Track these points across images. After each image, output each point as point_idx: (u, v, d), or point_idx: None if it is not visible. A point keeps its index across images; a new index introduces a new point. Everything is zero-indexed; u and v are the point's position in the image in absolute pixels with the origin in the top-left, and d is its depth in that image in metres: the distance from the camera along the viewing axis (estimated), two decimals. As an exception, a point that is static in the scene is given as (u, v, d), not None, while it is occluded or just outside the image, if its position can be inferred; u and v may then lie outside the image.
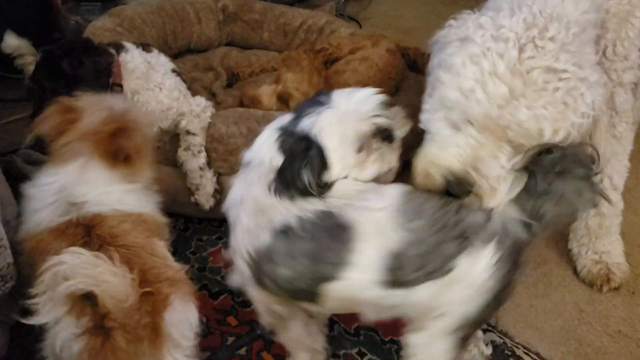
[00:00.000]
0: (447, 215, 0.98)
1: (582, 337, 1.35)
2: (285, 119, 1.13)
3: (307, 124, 1.06)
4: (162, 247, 1.06)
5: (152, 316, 0.91)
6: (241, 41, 2.22)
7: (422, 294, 0.98)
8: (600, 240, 1.47)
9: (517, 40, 0.99)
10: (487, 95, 0.99)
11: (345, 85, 1.67)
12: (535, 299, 1.44)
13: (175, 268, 1.03)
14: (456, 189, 1.05)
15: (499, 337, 1.33)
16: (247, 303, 1.38)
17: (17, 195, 1.26)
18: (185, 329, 0.98)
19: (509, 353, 1.30)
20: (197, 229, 1.60)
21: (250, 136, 1.32)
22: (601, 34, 1.16)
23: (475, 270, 0.96)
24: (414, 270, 0.96)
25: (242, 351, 1.28)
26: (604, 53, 1.20)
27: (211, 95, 1.85)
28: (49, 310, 0.88)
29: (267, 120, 1.25)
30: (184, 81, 1.58)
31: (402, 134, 1.14)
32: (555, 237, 1.59)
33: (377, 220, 0.98)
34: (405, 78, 1.89)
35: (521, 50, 0.99)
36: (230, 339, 1.30)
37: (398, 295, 0.99)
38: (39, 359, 0.97)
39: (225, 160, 1.52)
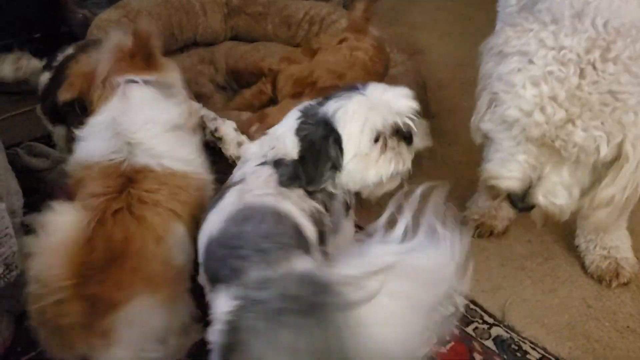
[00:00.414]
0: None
1: (590, 332, 1.34)
2: (313, 101, 1.14)
3: (333, 107, 1.07)
4: (169, 249, 1.03)
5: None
6: (246, 34, 2.21)
7: None
8: (608, 235, 1.45)
9: (578, 63, 1.00)
10: (545, 117, 1.02)
11: (334, 69, 1.64)
12: (542, 294, 1.43)
13: (168, 267, 1.01)
14: (519, 204, 1.12)
15: (506, 331, 1.32)
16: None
17: (23, 187, 1.26)
18: (138, 332, 0.95)
19: (516, 348, 1.29)
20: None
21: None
22: None
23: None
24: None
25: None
26: None
27: (218, 88, 1.85)
28: None
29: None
30: None
31: (420, 145, 1.16)
32: (563, 232, 1.57)
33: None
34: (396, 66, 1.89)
35: (581, 75, 1.00)
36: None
37: None
38: (43, 349, 0.97)
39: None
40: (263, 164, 1.09)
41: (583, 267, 1.49)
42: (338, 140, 1.06)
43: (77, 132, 1.16)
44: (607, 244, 1.46)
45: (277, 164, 1.07)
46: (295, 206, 1.02)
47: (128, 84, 1.18)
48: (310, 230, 1.02)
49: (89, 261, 0.91)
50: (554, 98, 1.00)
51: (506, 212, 1.57)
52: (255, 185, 1.04)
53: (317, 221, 1.06)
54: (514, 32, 1.11)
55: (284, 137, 1.10)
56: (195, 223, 1.07)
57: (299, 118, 1.10)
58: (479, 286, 1.43)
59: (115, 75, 1.19)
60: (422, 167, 1.82)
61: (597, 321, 1.36)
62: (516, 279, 1.46)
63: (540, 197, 1.10)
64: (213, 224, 0.98)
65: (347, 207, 1.15)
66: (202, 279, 1.02)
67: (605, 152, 1.01)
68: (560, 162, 1.07)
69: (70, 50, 1.55)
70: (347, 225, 1.17)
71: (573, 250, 1.53)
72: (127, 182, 1.05)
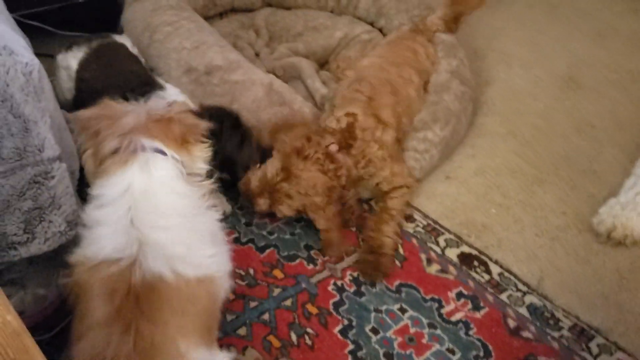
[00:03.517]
0: None
1: (623, 303, 1.36)
2: None
3: None
4: None
5: None
6: (277, 4, 2.20)
7: None
8: None
9: None
10: None
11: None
12: (576, 264, 1.45)
13: None
14: None
15: (539, 299, 1.35)
16: (292, 257, 1.43)
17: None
18: None
19: (549, 315, 1.32)
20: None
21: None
22: None
23: None
24: None
25: (288, 302, 1.33)
26: None
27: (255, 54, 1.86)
28: None
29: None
30: None
31: None
32: (599, 206, 1.58)
33: None
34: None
35: None
36: (277, 291, 1.35)
37: None
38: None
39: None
40: None
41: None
42: None
43: (87, 212, 0.96)
44: None
45: None
46: None
47: (154, 153, 0.96)
48: None
49: None
50: None
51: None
52: None
53: None
54: None
55: None
56: (207, 330, 0.95)
57: None
58: (514, 256, 1.46)
59: (140, 136, 0.96)
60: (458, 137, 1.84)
61: (629, 292, 1.39)
62: (551, 249, 1.48)
63: None
64: None
65: None
66: None
67: None
68: None
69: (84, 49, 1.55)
70: None
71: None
72: (135, 305, 0.86)
